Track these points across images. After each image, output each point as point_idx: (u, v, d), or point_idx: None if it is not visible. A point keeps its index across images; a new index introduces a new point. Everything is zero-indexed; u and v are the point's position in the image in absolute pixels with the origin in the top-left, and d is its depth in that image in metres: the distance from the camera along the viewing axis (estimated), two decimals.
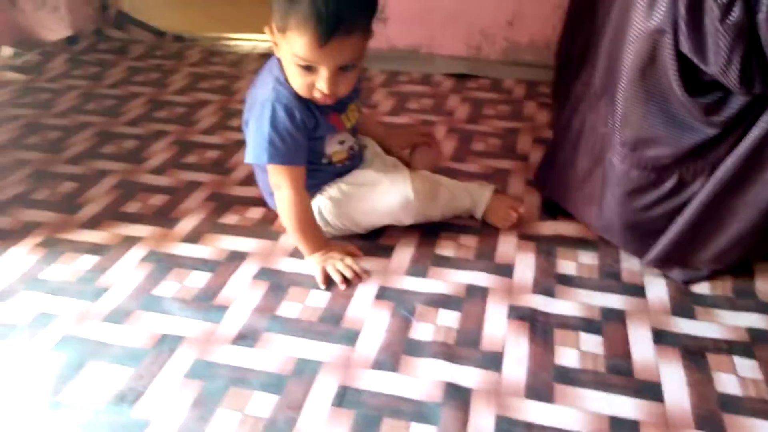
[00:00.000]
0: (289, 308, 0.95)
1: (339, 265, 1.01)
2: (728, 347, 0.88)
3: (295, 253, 1.07)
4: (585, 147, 1.03)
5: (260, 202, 1.21)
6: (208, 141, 1.47)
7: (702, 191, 0.89)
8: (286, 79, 0.95)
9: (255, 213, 1.19)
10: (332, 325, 0.92)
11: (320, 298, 0.97)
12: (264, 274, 1.02)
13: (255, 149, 0.97)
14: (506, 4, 1.77)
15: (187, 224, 1.15)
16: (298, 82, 0.93)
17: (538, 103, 1.67)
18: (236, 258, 1.06)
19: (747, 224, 0.91)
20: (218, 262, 1.05)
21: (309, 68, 0.90)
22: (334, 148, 1.05)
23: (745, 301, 0.97)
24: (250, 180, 1.29)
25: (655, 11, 0.82)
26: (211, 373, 0.84)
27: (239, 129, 1.51)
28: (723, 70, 0.79)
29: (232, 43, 2.15)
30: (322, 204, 1.06)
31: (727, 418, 0.77)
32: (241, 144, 1.43)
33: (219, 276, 1.02)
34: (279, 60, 0.96)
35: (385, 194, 1.05)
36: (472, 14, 1.80)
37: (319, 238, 1.04)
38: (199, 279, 1.01)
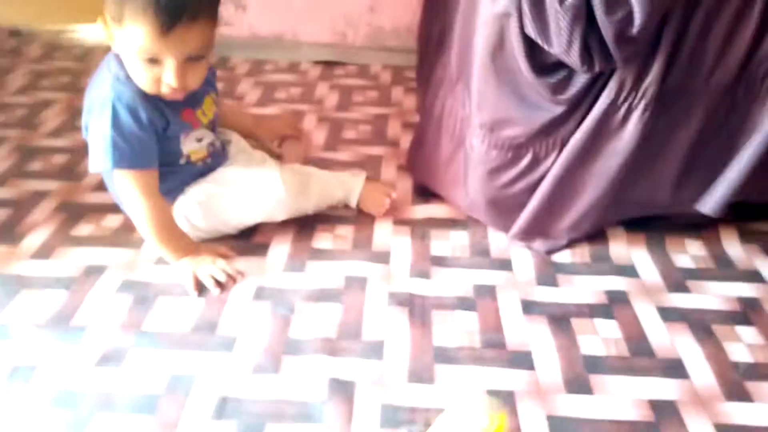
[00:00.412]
0: (157, 321, 0.89)
1: (210, 268, 0.95)
2: (589, 311, 0.94)
3: (162, 260, 1.00)
4: (446, 130, 1.05)
5: (118, 208, 1.12)
6: (54, 145, 1.33)
7: (555, 166, 0.95)
8: (126, 76, 0.87)
9: (112, 221, 1.10)
10: (207, 334, 0.88)
11: (193, 307, 0.92)
12: (127, 286, 0.95)
13: (97, 155, 0.89)
14: None
15: (35, 239, 1.04)
16: (143, 77, 0.85)
17: (405, 88, 1.69)
18: (94, 272, 0.97)
19: (597, 193, 0.98)
20: (74, 279, 0.96)
21: (153, 61, 0.82)
22: (192, 147, 0.99)
23: (601, 265, 1.04)
24: (103, 185, 1.19)
25: None
26: (74, 402, 0.76)
27: None
28: (565, 50, 0.83)
29: (78, 35, 1.97)
30: (186, 207, 1.00)
31: (593, 378, 0.83)
32: None
33: (75, 294, 0.93)
34: (117, 55, 0.88)
35: (254, 192, 1.01)
36: (334, 0, 1.78)
37: (184, 242, 0.98)
38: (53, 299, 0.92)
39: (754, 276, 1.03)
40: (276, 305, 0.93)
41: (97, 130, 0.88)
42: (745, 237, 1.11)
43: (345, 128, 1.46)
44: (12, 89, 1.59)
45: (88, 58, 1.80)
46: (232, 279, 0.96)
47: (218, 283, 0.95)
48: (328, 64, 1.82)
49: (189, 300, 0.93)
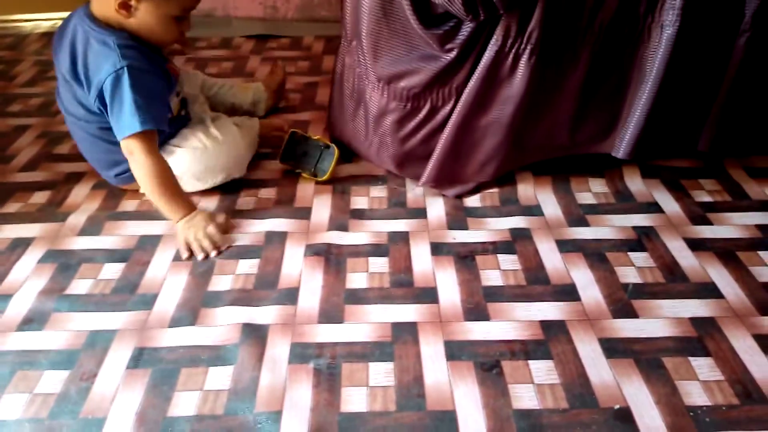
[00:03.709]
0: (80, 285, 0.93)
1: (200, 236, 1.00)
2: (493, 248, 1.00)
3: (86, 231, 1.04)
4: (347, 88, 1.10)
5: (46, 185, 1.15)
6: None
7: (454, 114, 1.00)
8: (132, 45, 0.95)
9: (40, 197, 1.12)
10: (127, 294, 0.92)
11: (114, 270, 0.96)
12: (51, 256, 0.98)
13: (125, 120, 0.93)
14: None
15: None
16: (171, 32, 0.99)
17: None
18: (20, 245, 1.01)
19: (497, 139, 1.03)
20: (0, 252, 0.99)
21: (180, 17, 0.98)
22: (173, 100, 1.06)
23: (508, 207, 1.10)
24: (32, 165, 1.22)
25: None
26: None
27: (18, 114, 1.42)
28: (448, 0, 0.88)
29: (10, 25, 1.96)
30: (184, 158, 1.07)
31: (490, 306, 0.89)
32: (20, 129, 1.35)
33: (0, 265, 0.96)
34: (115, 30, 0.95)
35: (222, 151, 1.09)
36: None
37: (185, 201, 1.03)
38: None
39: (651, 207, 1.09)
40: (196, 264, 0.97)
41: (118, 99, 0.93)
42: (647, 172, 1.18)
43: None
44: None
45: (21, 47, 1.80)
46: (217, 248, 1.00)
47: (204, 250, 0.99)
48: (261, 39, 1.85)
49: (112, 266, 0.97)
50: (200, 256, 0.98)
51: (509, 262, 0.97)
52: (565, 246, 1.00)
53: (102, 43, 0.95)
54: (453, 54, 0.95)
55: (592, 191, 1.14)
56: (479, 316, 0.87)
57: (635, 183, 1.16)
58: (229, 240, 1.02)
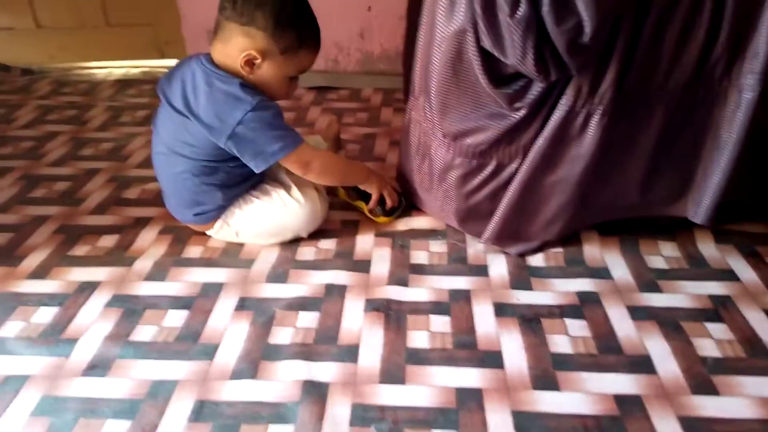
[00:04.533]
0: (144, 332, 0.94)
1: (388, 188, 1.16)
2: (560, 311, 0.97)
3: (151, 277, 1.05)
4: (413, 142, 1.10)
5: (114, 229, 1.18)
6: (57, 173, 1.41)
7: (520, 171, 0.98)
8: (253, 92, 1.00)
9: (107, 241, 1.15)
10: (190, 343, 0.92)
11: (178, 318, 0.97)
12: (117, 300, 1.00)
13: (281, 142, 1.00)
14: (356, 18, 1.84)
15: (33, 260, 1.10)
16: (284, 89, 1.06)
17: (394, 109, 1.75)
18: (87, 288, 1.03)
19: (564, 198, 1.01)
20: (67, 295, 1.01)
21: (294, 77, 1.07)
22: None
23: (575, 268, 1.07)
24: (102, 208, 1.26)
25: (455, 13, 0.89)
26: (59, 408, 0.81)
27: (89, 158, 1.48)
28: (520, 60, 0.87)
29: (84, 72, 2.08)
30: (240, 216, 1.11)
31: (560, 375, 0.85)
32: (91, 173, 1.40)
33: (68, 309, 0.98)
34: (238, 82, 0.99)
35: (300, 214, 1.12)
36: (326, 28, 1.83)
37: (362, 167, 1.17)
38: (46, 314, 0.97)
39: (726, 274, 1.04)
40: (257, 314, 0.97)
41: (264, 129, 0.99)
42: (720, 237, 1.13)
43: None
44: (20, 123, 1.68)
45: (94, 93, 1.89)
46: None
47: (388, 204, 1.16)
48: (322, 90, 1.89)
49: (175, 312, 0.98)
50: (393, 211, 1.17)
51: (578, 327, 0.93)
52: (638, 313, 0.96)
53: (228, 83, 0.99)
54: (522, 113, 0.94)
55: (662, 255, 1.09)
56: (548, 385, 0.83)
57: (708, 248, 1.11)
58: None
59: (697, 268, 1.06)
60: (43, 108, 1.78)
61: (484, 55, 0.90)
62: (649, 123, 0.97)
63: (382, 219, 1.19)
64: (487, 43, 0.88)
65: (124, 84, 1.96)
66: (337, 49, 1.90)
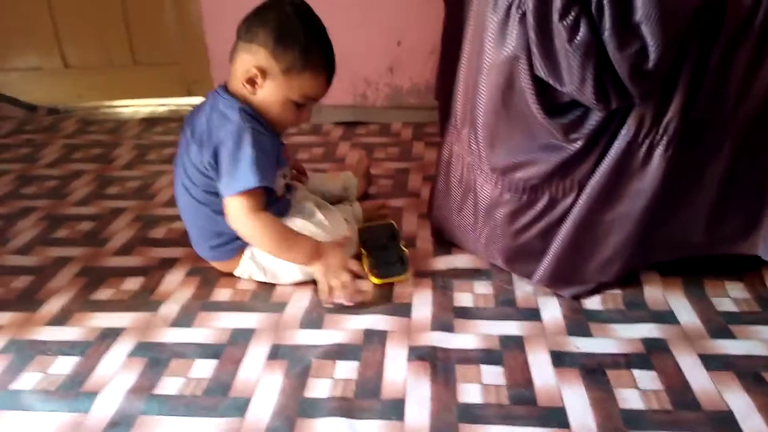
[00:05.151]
0: (169, 384, 0.86)
1: (344, 277, 1.00)
2: (626, 361, 0.88)
3: (178, 322, 0.98)
4: (454, 177, 1.04)
5: (139, 271, 1.12)
6: (80, 212, 1.36)
7: (575, 207, 0.91)
8: (254, 116, 0.98)
9: (132, 284, 1.09)
10: (219, 397, 0.84)
11: (206, 368, 0.89)
12: (141, 349, 0.93)
13: (240, 174, 0.94)
14: (385, 53, 1.81)
15: (53, 305, 1.03)
16: (287, 115, 1.01)
17: (426, 143, 1.69)
18: (109, 336, 0.96)
19: (623, 236, 0.93)
20: (89, 343, 0.94)
21: (300, 104, 1.00)
22: (279, 182, 1.05)
23: (636, 312, 0.98)
24: (127, 249, 1.20)
25: (507, 39, 0.84)
26: None
27: (115, 197, 1.43)
28: (578, 88, 0.81)
29: (111, 110, 2.06)
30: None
31: None
32: (117, 212, 1.35)
33: (89, 358, 0.91)
34: (238, 106, 0.97)
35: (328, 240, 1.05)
36: (354, 64, 1.82)
37: (310, 243, 1.02)
38: (66, 365, 0.90)
39: None
40: (292, 364, 0.89)
41: (235, 156, 0.94)
42: None
43: None
44: (45, 162, 1.65)
45: (120, 131, 1.87)
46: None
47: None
48: (350, 125, 1.85)
49: (203, 362, 0.90)
50: (340, 300, 1.00)
51: (648, 379, 0.84)
52: (712, 362, 0.86)
53: (228, 107, 0.98)
54: (578, 144, 0.88)
55: (730, 296, 1.00)
56: None
57: None
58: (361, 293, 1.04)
59: None
60: (68, 147, 1.75)
61: (538, 83, 0.84)
62: (717, 155, 0.89)
63: (375, 280, 1.06)
64: (541, 71, 0.82)
65: (150, 122, 1.94)
66: (365, 85, 1.86)
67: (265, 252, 1.02)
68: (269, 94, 0.98)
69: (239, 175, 0.94)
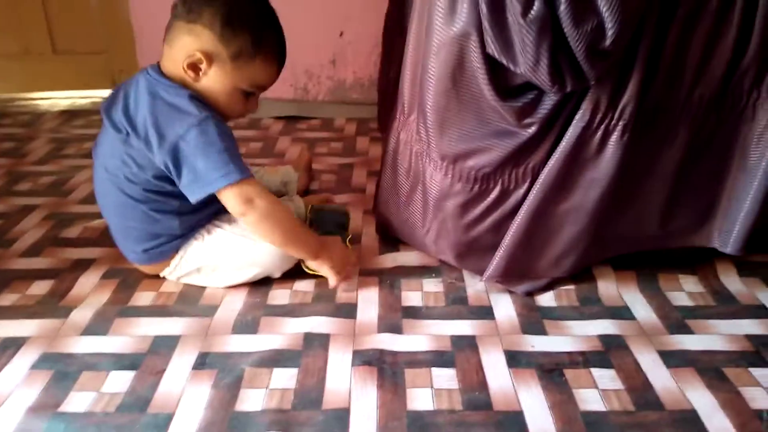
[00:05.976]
0: (78, 400, 0.75)
1: (348, 270, 0.97)
2: (584, 359, 0.82)
3: (90, 330, 0.87)
4: (402, 167, 0.97)
5: (48, 273, 1.00)
6: None
7: (528, 199, 0.86)
8: (205, 106, 0.86)
9: (40, 288, 0.96)
10: (136, 413, 0.73)
11: (122, 381, 0.78)
12: (46, 360, 0.81)
13: (219, 170, 0.83)
14: (327, 44, 1.73)
15: None
16: (236, 105, 0.91)
17: (371, 138, 1.62)
18: (10, 346, 0.83)
19: (578, 227, 0.88)
20: None
21: (249, 93, 0.91)
22: None
23: (591, 308, 0.93)
24: (36, 249, 1.07)
25: (457, 14, 0.77)
26: None
27: (26, 193, 1.29)
28: (532, 68, 0.75)
29: (27, 102, 1.89)
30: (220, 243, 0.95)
31: None
32: (27, 209, 1.21)
33: None
34: (186, 93, 0.85)
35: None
36: (294, 54, 1.72)
37: (314, 236, 0.95)
38: None
39: (759, 311, 0.92)
40: (221, 373, 0.80)
41: (206, 149, 0.83)
42: (744, 269, 1.02)
43: None
44: None
45: (35, 125, 1.71)
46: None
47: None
48: (291, 119, 1.76)
49: (118, 374, 0.79)
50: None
51: (607, 378, 0.79)
52: (672, 359, 0.82)
53: (174, 95, 0.85)
54: (532, 130, 0.82)
55: (685, 290, 0.97)
56: None
57: (733, 282, 0.99)
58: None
59: (726, 305, 0.94)
60: None
61: (490, 63, 0.78)
62: (672, 142, 0.86)
63: (308, 269, 0.98)
64: (493, 49, 0.76)
65: (70, 115, 1.79)
66: (306, 77, 1.77)
67: (276, 239, 0.91)
68: (215, 81, 0.87)
69: (220, 171, 0.83)
